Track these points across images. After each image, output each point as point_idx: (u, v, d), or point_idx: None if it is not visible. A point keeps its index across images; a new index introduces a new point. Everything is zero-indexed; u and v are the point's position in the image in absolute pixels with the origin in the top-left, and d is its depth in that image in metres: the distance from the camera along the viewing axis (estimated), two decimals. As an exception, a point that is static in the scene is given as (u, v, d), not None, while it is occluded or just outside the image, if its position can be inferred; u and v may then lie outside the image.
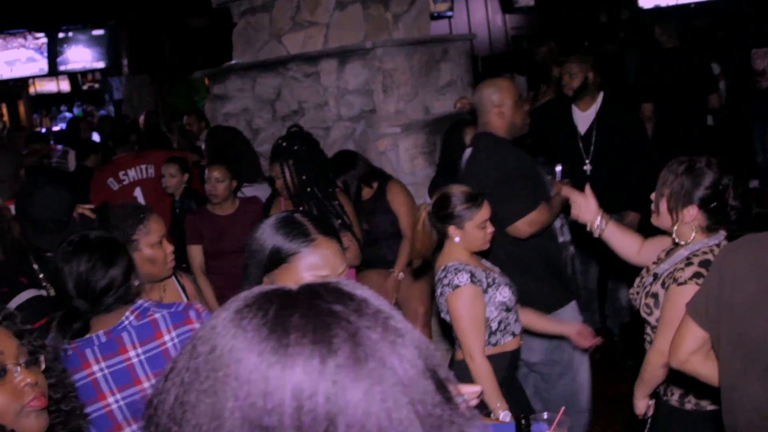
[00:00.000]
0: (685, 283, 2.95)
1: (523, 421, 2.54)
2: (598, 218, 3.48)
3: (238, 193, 5.09)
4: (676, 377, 3.07)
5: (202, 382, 0.93)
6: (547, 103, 6.77)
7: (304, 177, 4.49)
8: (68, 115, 11.89)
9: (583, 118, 5.79)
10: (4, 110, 12.04)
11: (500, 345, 3.50)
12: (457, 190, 3.55)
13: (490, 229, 3.52)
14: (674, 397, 3.15)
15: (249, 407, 0.90)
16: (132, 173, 6.15)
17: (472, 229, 3.48)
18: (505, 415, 3.05)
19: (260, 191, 5.27)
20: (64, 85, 13.43)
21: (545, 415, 2.76)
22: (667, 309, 3.01)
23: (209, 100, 6.70)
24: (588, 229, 3.53)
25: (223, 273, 4.86)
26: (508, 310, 3.50)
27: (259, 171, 5.61)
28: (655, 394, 3.22)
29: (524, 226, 4.16)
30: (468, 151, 4.60)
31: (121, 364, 2.54)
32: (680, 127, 7.30)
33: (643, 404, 3.18)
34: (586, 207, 3.50)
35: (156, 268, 3.17)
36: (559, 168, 4.96)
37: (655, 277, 3.15)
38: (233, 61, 6.51)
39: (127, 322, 2.58)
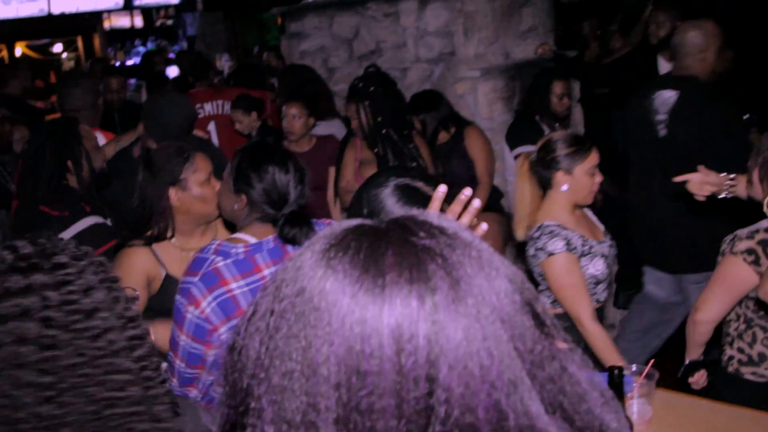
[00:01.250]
0: (735, 254, 2.93)
1: (615, 371, 2.54)
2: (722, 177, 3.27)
3: (313, 129, 5.13)
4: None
5: (290, 326, 0.90)
6: (629, 53, 6.62)
7: (379, 119, 4.50)
8: (142, 49, 12.08)
9: (668, 68, 5.65)
10: (80, 43, 12.29)
11: None
12: (564, 134, 3.41)
13: (599, 177, 3.37)
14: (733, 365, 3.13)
15: (345, 352, 0.86)
16: (208, 107, 6.24)
17: (582, 176, 3.32)
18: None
19: (333, 128, 5.31)
20: (138, 21, 13.60)
21: (634, 368, 2.76)
22: (715, 272, 3.02)
23: (285, 38, 6.73)
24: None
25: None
26: (597, 282, 3.38)
27: (333, 109, 5.63)
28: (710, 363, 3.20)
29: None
30: (666, 94, 4.38)
31: None
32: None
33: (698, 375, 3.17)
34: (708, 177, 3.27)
35: (208, 206, 3.06)
36: (746, 117, 4.77)
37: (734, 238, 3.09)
38: (310, -1, 6.52)
39: None
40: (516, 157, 5.30)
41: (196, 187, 3.02)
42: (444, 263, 0.90)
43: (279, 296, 0.93)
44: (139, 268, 2.94)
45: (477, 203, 1.88)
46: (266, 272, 2.55)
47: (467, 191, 1.86)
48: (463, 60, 5.75)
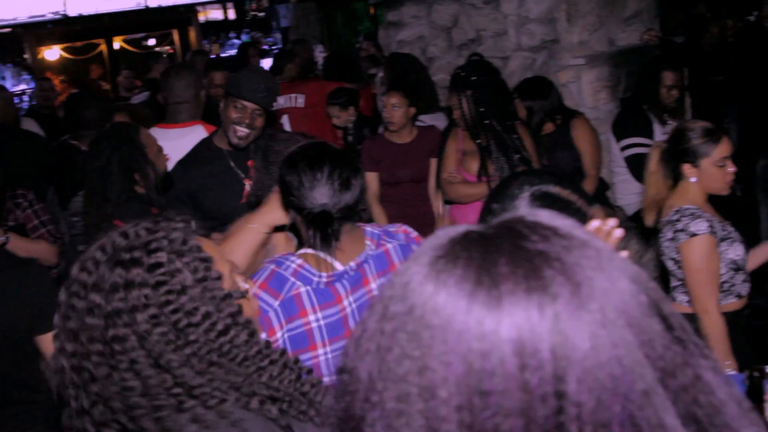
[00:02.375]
0: None
1: (755, 374, 2.43)
2: None
3: (416, 122, 5.11)
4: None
5: (403, 347, 0.85)
6: (744, 37, 6.39)
7: (482, 109, 4.44)
8: (236, 41, 12.29)
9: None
10: (176, 36, 12.58)
11: (720, 306, 3.29)
12: (695, 124, 3.36)
13: (731, 168, 3.30)
14: None
15: (465, 371, 0.82)
16: (281, 100, 6.29)
17: (709, 167, 3.27)
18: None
19: (438, 121, 5.27)
20: (231, 13, 13.85)
21: None
22: None
23: (383, 27, 6.73)
24: None
25: (397, 201, 4.92)
26: (737, 269, 3.30)
27: (436, 100, 5.60)
28: None
29: None
30: None
31: (364, 297, 2.47)
32: None
33: None
34: None
35: None
36: None
37: None
38: (399, -12, 6.51)
39: (370, 251, 2.51)
40: (623, 149, 5.17)
41: None
42: (562, 267, 0.85)
43: (388, 315, 0.89)
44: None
45: (618, 234, 1.83)
46: (345, 303, 2.45)
47: (612, 222, 1.83)
48: (567, 47, 5.65)
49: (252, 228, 2.69)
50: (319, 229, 2.39)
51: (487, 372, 0.81)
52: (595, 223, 1.83)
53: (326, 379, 2.37)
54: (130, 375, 1.44)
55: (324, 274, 2.42)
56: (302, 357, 2.34)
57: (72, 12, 10.39)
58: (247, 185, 3.86)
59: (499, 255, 0.86)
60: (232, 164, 3.89)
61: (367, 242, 2.52)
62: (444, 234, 0.92)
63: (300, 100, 6.26)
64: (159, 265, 1.47)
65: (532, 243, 0.87)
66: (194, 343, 1.46)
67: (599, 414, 0.80)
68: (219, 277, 1.53)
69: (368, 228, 2.60)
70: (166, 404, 1.45)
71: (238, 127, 3.77)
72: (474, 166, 4.47)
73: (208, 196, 3.81)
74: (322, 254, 2.43)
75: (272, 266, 2.46)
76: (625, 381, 0.82)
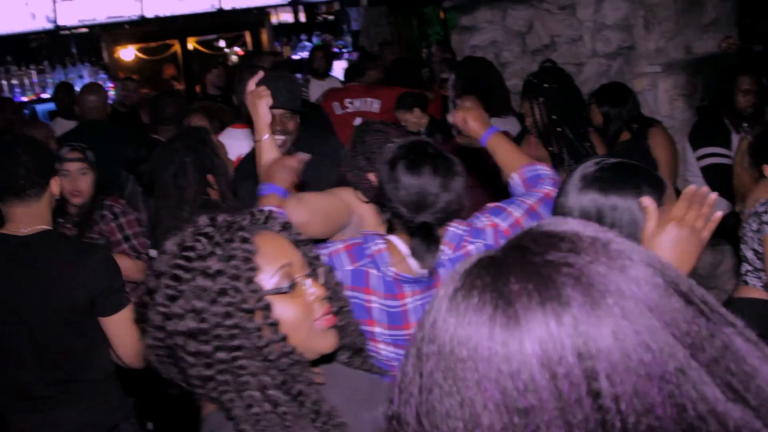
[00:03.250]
0: None
1: None
2: None
3: (487, 126, 5.13)
4: None
5: (441, 385, 0.89)
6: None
7: (554, 116, 4.44)
8: (308, 44, 12.42)
9: None
10: (248, 38, 12.78)
11: None
12: None
13: None
14: None
15: (500, 395, 0.85)
16: (357, 103, 6.38)
17: None
18: None
19: (509, 125, 5.28)
20: (302, 16, 14.00)
21: None
22: None
23: (456, 32, 6.77)
24: None
25: (468, 206, 4.95)
26: None
27: (508, 105, 5.61)
28: None
29: None
30: None
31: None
32: None
33: None
34: None
35: None
36: None
37: None
38: (484, -8, 6.53)
39: (444, 257, 2.52)
40: (699, 159, 5.12)
41: None
42: (570, 271, 0.88)
43: (422, 357, 0.92)
44: None
45: (713, 197, 1.86)
46: (408, 300, 2.49)
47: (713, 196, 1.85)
48: (643, 54, 5.61)
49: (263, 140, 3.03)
50: (423, 239, 2.41)
51: (521, 390, 0.84)
52: (690, 190, 1.84)
53: (391, 355, 2.48)
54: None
55: (393, 269, 2.46)
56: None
57: (149, 13, 10.66)
58: None
59: (509, 274, 0.90)
60: None
61: (443, 247, 2.52)
62: (460, 266, 0.96)
63: (375, 105, 6.33)
64: (191, 248, 1.53)
65: (538, 255, 0.90)
66: (174, 337, 1.50)
67: (639, 401, 0.83)
68: (254, 269, 1.52)
69: (451, 229, 2.59)
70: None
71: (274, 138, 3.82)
72: (546, 173, 4.48)
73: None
74: (404, 250, 2.48)
75: (362, 239, 2.56)
76: (657, 364, 0.84)
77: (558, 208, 2.09)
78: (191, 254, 1.51)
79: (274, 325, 1.51)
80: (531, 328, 0.85)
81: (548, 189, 2.78)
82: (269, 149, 3.04)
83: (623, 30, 5.68)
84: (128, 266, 3.78)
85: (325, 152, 3.88)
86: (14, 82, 9.91)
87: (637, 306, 0.86)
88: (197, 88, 10.61)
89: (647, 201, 1.86)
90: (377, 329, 2.49)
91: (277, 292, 1.55)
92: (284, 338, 1.51)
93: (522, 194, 2.84)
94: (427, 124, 5.83)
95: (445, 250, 2.53)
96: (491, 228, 2.65)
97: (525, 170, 2.89)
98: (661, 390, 0.83)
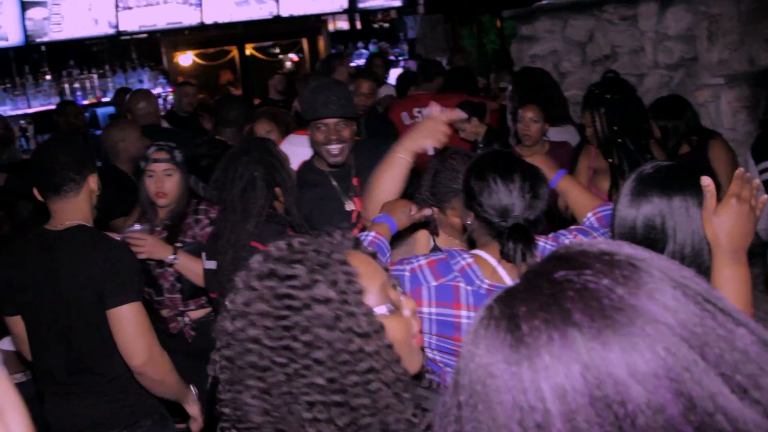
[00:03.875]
0: None
1: None
2: None
3: (545, 136, 5.13)
4: None
5: (474, 414, 0.91)
6: None
7: (615, 127, 4.42)
8: (364, 52, 12.51)
9: None
10: (305, 45, 12.92)
11: None
12: None
13: None
14: None
15: (520, 427, 0.86)
16: (426, 111, 6.38)
17: None
18: None
19: (567, 134, 5.28)
20: (358, 23, 14.09)
21: None
22: None
23: (516, 41, 6.78)
24: None
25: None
26: None
27: (567, 115, 5.60)
28: None
29: None
30: None
31: None
32: None
33: None
34: None
35: None
36: None
37: None
38: (544, 1, 6.52)
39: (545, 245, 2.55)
40: (761, 172, 5.05)
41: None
42: (574, 286, 0.88)
43: (458, 389, 0.94)
44: None
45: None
46: None
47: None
48: (706, 66, 5.56)
49: (399, 157, 2.94)
50: (520, 242, 2.39)
51: (538, 423, 0.85)
52: (741, 171, 1.93)
53: None
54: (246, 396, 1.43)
55: (487, 281, 2.44)
56: (444, 342, 2.42)
57: (208, 20, 10.84)
58: (356, 204, 3.88)
59: (516, 298, 0.91)
60: (335, 185, 3.93)
61: (543, 239, 2.56)
62: (486, 305, 0.97)
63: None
64: (293, 277, 1.44)
65: (544, 275, 0.92)
66: (301, 372, 1.40)
67: (652, 403, 0.83)
68: (360, 291, 1.46)
69: (541, 243, 2.58)
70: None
71: (329, 147, 3.80)
72: (605, 184, 4.45)
73: (318, 219, 3.77)
74: (493, 262, 2.48)
75: (445, 255, 2.54)
76: (667, 367, 0.83)
77: (615, 212, 2.17)
78: (296, 283, 1.43)
79: (390, 347, 1.47)
80: (539, 352, 0.86)
81: None
82: (397, 166, 3.00)
83: (686, 41, 5.64)
84: None
85: None
86: (76, 85, 10.15)
87: (650, 320, 0.85)
88: (256, 100, 10.73)
89: (707, 180, 2.01)
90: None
91: (388, 312, 1.53)
92: (399, 360, 1.47)
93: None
94: (485, 133, 5.84)
95: (546, 242, 2.55)
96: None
97: (599, 210, 2.91)
98: (671, 389, 0.83)
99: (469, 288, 2.44)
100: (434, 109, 3.03)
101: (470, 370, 0.93)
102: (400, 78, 8.57)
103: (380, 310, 1.51)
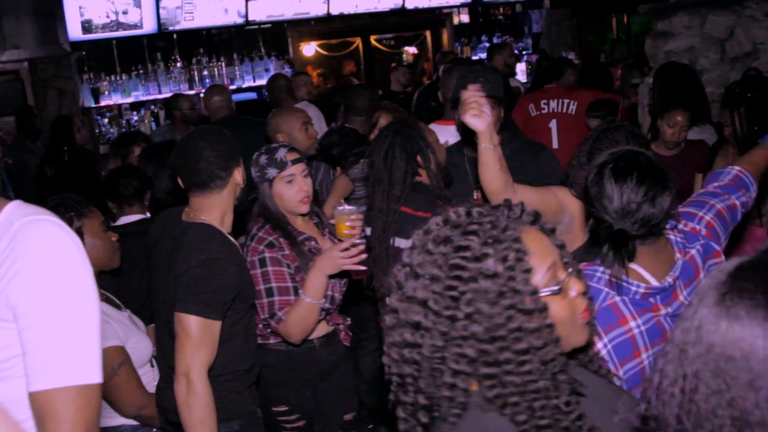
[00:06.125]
0: None
1: None
2: None
3: (682, 134, 5.03)
4: None
5: (708, 384, 0.93)
6: None
7: (756, 127, 4.32)
8: (488, 45, 12.47)
9: None
10: (428, 37, 12.99)
11: None
12: None
13: None
14: None
15: None
16: (553, 104, 6.34)
17: None
18: None
19: (705, 134, 5.16)
20: (480, 17, 14.05)
21: None
22: None
23: (651, 37, 6.65)
24: None
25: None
26: None
27: (708, 114, 5.47)
28: None
29: None
30: None
31: (677, 310, 2.43)
32: None
33: None
34: None
35: None
36: None
37: None
38: (681, -3, 6.39)
39: (680, 263, 2.47)
40: None
41: None
42: None
43: (686, 359, 0.96)
44: None
45: None
46: (662, 312, 2.41)
47: None
48: None
49: (483, 148, 2.99)
50: (613, 248, 2.36)
51: None
52: None
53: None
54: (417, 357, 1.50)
55: (643, 285, 2.40)
56: (628, 365, 2.36)
57: (334, 10, 11.04)
58: (477, 195, 3.91)
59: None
60: (469, 171, 3.97)
61: (677, 254, 2.49)
62: (719, 272, 0.99)
63: (572, 107, 6.30)
64: (466, 248, 1.48)
65: None
66: (456, 341, 1.46)
67: None
68: (528, 270, 1.48)
69: (671, 237, 2.55)
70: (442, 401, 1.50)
71: None
72: (743, 185, 4.36)
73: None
74: (633, 266, 2.42)
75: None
76: None
77: None
78: (467, 254, 1.48)
79: (551, 326, 1.49)
80: None
81: (736, 200, 2.80)
82: (489, 156, 3.02)
83: (835, 39, 5.43)
84: None
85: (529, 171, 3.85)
86: (205, 73, 10.49)
87: None
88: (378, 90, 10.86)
89: None
90: (643, 356, 2.40)
91: (552, 293, 1.54)
92: (558, 340, 1.50)
93: (710, 194, 2.81)
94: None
95: (679, 257, 2.49)
96: (693, 234, 2.62)
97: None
98: None
99: (624, 298, 2.41)
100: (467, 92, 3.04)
101: (709, 341, 0.95)
102: (538, 73, 8.61)
103: (546, 290, 1.53)
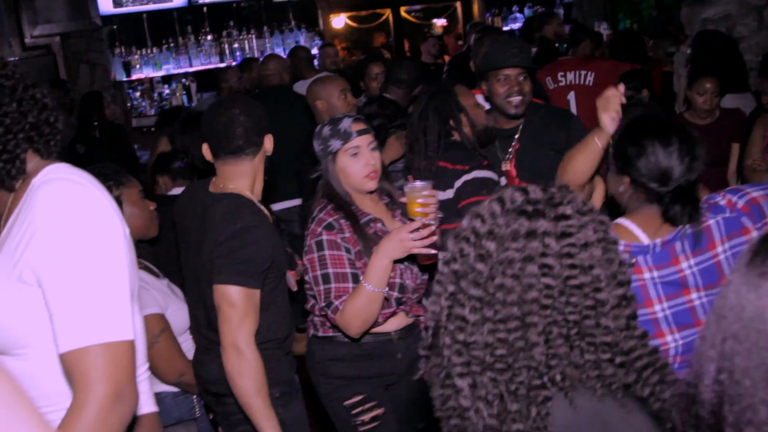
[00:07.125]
0: None
1: None
2: None
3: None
4: None
5: (748, 348, 0.95)
6: None
7: (795, 95, 4.28)
8: (519, 15, 12.38)
9: None
10: (459, 8, 12.91)
11: None
12: None
13: None
14: None
15: None
16: (570, 76, 6.25)
17: None
18: None
19: (743, 102, 5.11)
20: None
21: None
22: None
23: (687, 4, 6.57)
24: None
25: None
26: None
27: (745, 81, 5.41)
28: None
29: None
30: None
31: (674, 276, 2.51)
32: None
33: None
34: None
35: None
36: None
37: None
38: (718, -37, 6.30)
39: (681, 231, 2.52)
40: None
41: None
42: None
43: (722, 323, 0.99)
44: None
45: None
46: (646, 275, 2.48)
47: None
48: None
49: (593, 142, 2.98)
50: (688, 203, 2.43)
51: None
52: None
53: (666, 332, 2.48)
54: (502, 327, 1.47)
55: (658, 240, 2.47)
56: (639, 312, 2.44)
57: (363, -20, 11.03)
58: (510, 166, 3.95)
59: None
60: (497, 143, 3.97)
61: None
62: (758, 235, 1.00)
63: (590, 78, 6.25)
64: (565, 217, 1.49)
65: None
66: (570, 307, 1.47)
67: None
68: (616, 242, 1.53)
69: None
70: (521, 372, 1.48)
71: (511, 99, 3.83)
72: (782, 155, 4.33)
73: None
74: (627, 224, 2.51)
75: None
76: None
77: None
78: (572, 223, 1.50)
79: (632, 299, 1.54)
80: None
81: None
82: (592, 150, 3.04)
83: None
84: None
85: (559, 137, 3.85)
86: (235, 45, 10.52)
87: None
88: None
89: None
90: (657, 308, 2.49)
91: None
92: (635, 315, 1.54)
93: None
94: (648, 101, 5.72)
95: (682, 226, 2.52)
96: (728, 206, 2.62)
97: None
98: None
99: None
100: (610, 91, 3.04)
101: (743, 304, 0.97)
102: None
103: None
